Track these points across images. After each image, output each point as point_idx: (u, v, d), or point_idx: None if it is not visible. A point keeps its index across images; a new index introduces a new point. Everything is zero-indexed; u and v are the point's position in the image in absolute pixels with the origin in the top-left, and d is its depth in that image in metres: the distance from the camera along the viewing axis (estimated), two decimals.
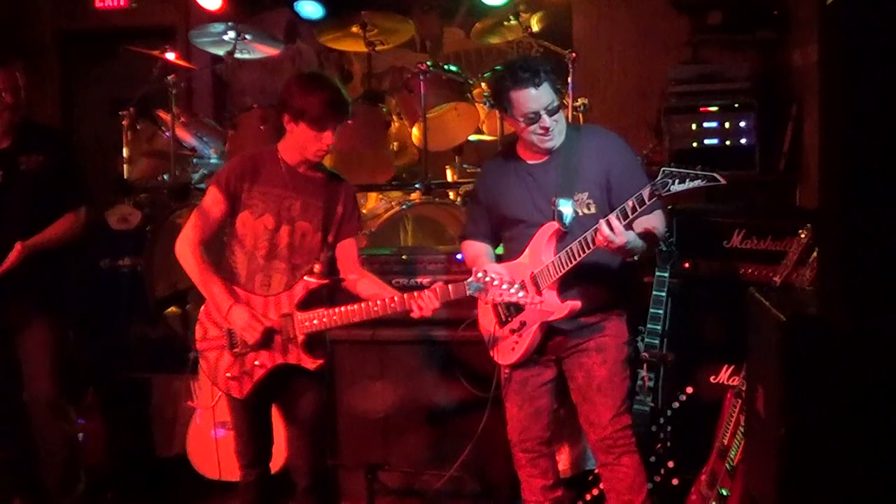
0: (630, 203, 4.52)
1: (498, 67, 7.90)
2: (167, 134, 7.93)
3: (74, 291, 6.09)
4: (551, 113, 4.90)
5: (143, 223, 7.59)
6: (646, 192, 4.45)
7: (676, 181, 4.34)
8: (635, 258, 4.92)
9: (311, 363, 5.00)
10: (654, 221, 4.87)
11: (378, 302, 4.92)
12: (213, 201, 5.09)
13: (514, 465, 5.29)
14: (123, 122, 8.14)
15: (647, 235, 4.78)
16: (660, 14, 8.66)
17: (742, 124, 7.71)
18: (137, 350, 7.39)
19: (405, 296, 4.89)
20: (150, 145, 8.22)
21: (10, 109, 5.71)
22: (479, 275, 4.76)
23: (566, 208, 4.89)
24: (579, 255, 4.72)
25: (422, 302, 4.85)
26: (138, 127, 8.20)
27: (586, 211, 4.93)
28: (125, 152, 8.20)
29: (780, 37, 8.18)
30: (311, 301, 5.00)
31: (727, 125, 7.73)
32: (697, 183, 4.30)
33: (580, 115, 7.40)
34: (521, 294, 4.73)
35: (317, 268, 5.06)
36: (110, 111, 8.41)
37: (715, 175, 4.25)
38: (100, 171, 6.28)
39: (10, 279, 5.65)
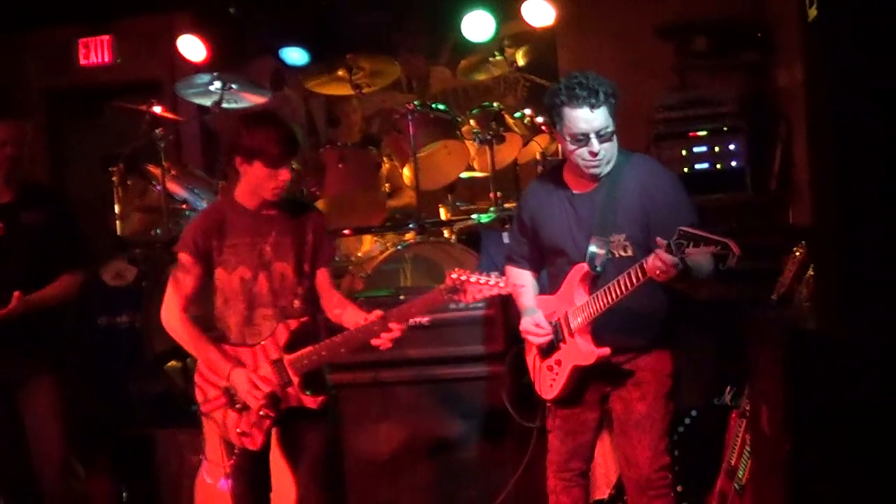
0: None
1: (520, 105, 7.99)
2: (158, 188, 7.94)
3: (74, 350, 6.07)
4: (603, 139, 4.60)
5: (139, 279, 7.59)
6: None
7: (691, 244, 4.16)
8: (695, 281, 4.59)
9: (312, 402, 4.98)
10: (702, 259, 4.46)
11: (361, 330, 4.89)
12: (186, 267, 5.08)
13: (547, 489, 5.15)
14: (114, 179, 8.18)
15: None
16: (644, 42, 8.64)
17: (731, 147, 7.65)
18: (139, 406, 7.37)
19: (384, 317, 4.86)
20: (142, 200, 8.24)
21: (11, 161, 5.75)
22: (454, 276, 4.68)
23: (599, 251, 4.67)
24: (616, 297, 4.52)
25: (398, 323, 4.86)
26: (129, 182, 8.23)
27: (623, 253, 4.66)
28: (117, 208, 8.24)
29: (766, 58, 8.17)
30: (296, 340, 4.97)
31: (717, 149, 7.64)
32: (711, 249, 4.13)
33: None
34: (501, 284, 4.63)
35: (296, 304, 5.06)
36: (100, 168, 8.42)
37: (728, 243, 4.08)
38: (93, 229, 6.27)
39: (12, 337, 5.64)
